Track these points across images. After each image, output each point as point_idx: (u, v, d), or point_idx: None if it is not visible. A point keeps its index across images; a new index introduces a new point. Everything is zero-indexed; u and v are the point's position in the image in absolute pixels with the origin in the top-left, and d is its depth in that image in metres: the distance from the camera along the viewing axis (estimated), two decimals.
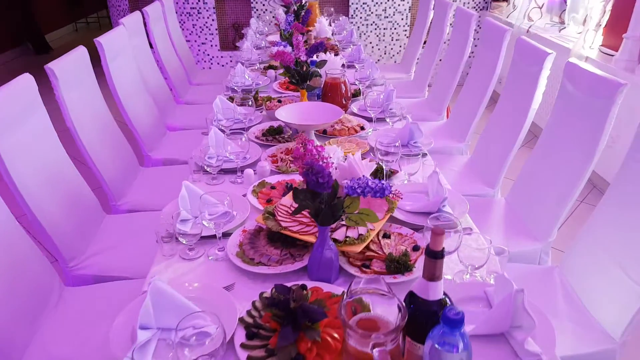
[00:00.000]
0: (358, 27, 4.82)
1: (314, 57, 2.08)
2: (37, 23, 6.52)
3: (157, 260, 1.29)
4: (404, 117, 2.07)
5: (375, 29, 4.86)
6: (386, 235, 1.30)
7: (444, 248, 0.75)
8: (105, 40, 2.31)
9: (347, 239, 1.22)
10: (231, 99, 2.31)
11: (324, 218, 1.06)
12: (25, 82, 1.62)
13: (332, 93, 2.15)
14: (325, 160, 1.05)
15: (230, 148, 1.64)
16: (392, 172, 1.64)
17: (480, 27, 4.34)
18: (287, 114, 1.81)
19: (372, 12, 4.79)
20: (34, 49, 6.52)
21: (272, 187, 1.54)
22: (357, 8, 4.74)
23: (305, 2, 3.69)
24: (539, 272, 1.69)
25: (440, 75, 3.22)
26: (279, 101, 2.15)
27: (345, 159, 1.47)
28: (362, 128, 2.01)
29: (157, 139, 2.68)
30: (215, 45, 4.82)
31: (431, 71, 3.43)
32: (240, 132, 1.68)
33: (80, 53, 2.04)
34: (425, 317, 0.78)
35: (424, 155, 1.77)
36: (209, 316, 0.89)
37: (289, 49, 2.00)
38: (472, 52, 3.53)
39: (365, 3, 4.73)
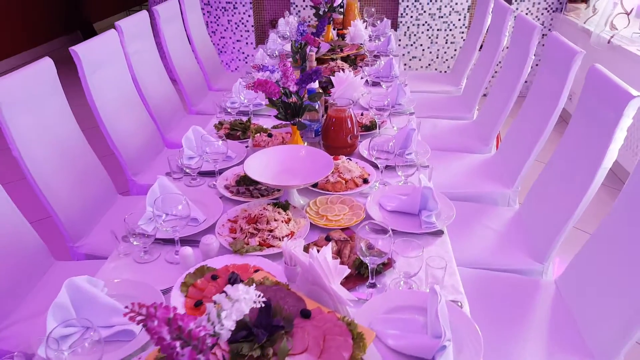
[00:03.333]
0: (408, 27, 4.25)
1: (313, 85, 1.62)
2: (87, 11, 6.48)
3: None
4: (424, 167, 1.57)
5: (428, 29, 4.27)
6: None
7: None
8: (82, 50, 1.98)
9: None
10: (220, 124, 1.91)
11: None
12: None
13: (335, 129, 1.68)
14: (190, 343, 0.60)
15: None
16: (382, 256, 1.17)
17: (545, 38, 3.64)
18: (258, 165, 1.37)
19: (424, 11, 4.19)
20: (83, 37, 6.50)
21: (214, 277, 1.12)
22: (407, 6, 4.17)
23: (342, 2, 3.21)
24: (537, 285, 1.52)
25: (492, 94, 2.63)
26: (269, 135, 1.72)
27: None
28: (366, 181, 1.53)
29: (148, 159, 2.34)
30: (251, 43, 4.44)
31: (482, 88, 2.84)
32: (211, 175, 1.56)
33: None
34: None
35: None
36: None
37: (276, 75, 1.56)
38: (533, 69, 2.90)
39: (418, 1, 4.14)
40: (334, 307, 1.01)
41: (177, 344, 0.56)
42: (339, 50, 2.69)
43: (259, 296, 0.73)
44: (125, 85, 2.30)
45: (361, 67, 2.39)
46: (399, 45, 4.32)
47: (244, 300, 0.67)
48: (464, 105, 3.00)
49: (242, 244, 1.22)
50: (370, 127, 1.88)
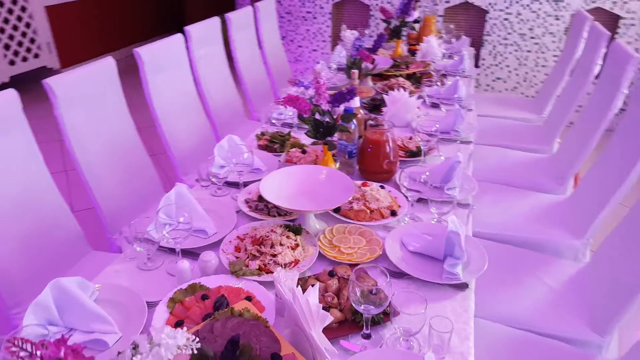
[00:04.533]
0: (494, 46, 3.98)
1: (352, 104, 1.52)
2: (187, 13, 6.87)
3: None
4: (463, 205, 1.41)
5: (516, 50, 3.97)
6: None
7: None
8: (146, 52, 2.07)
9: None
10: (262, 134, 1.89)
11: None
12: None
13: (372, 152, 1.58)
14: None
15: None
16: None
17: None
18: (274, 184, 1.31)
19: (514, 30, 3.90)
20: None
21: (204, 297, 1.08)
22: (495, 24, 3.91)
23: (419, 18, 3.07)
24: None
25: (576, 127, 2.34)
26: (304, 151, 1.65)
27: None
28: (394, 214, 1.41)
29: (200, 161, 2.38)
30: (326, 54, 4.44)
31: (566, 119, 2.55)
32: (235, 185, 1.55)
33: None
34: None
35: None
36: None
37: (311, 91, 1.49)
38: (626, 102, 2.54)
39: (507, 19, 3.87)
40: (311, 355, 0.92)
41: None
42: (403, 67, 2.56)
43: (193, 340, 0.66)
44: (186, 87, 2.38)
45: (426, 86, 2.24)
46: (482, 64, 4.06)
47: (165, 345, 0.61)
48: (544, 136, 2.72)
49: (241, 265, 1.17)
50: (416, 154, 1.74)
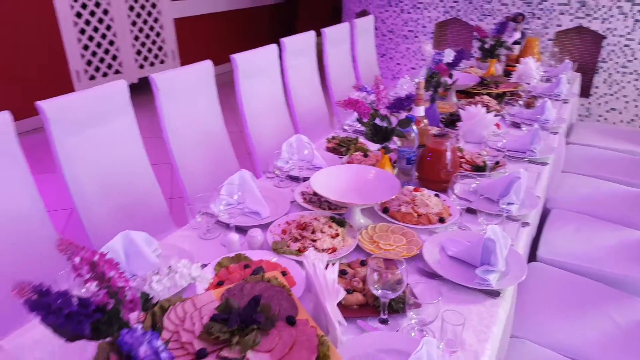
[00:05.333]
0: (609, 74, 3.74)
1: (415, 113, 1.60)
2: (294, 25, 7.33)
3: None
4: (515, 220, 1.41)
5: (637, 79, 3.68)
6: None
7: None
8: (241, 58, 2.35)
9: None
10: (333, 138, 2.04)
11: None
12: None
13: (431, 161, 1.64)
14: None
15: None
16: None
17: None
18: (325, 179, 1.44)
19: (635, 58, 3.64)
20: None
21: (246, 266, 1.24)
22: (612, 50, 3.68)
23: (519, 40, 3.04)
24: None
25: None
26: (365, 155, 1.76)
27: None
28: (442, 220, 1.45)
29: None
30: None
31: None
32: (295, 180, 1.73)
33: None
34: None
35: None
36: None
37: (372, 97, 1.59)
38: None
39: (628, 45, 3.62)
40: (325, 326, 1.02)
41: (94, 283, 0.68)
42: (492, 86, 2.56)
43: (198, 277, 0.80)
44: (275, 93, 2.62)
45: (508, 104, 2.23)
46: (594, 93, 3.82)
47: (180, 273, 0.76)
48: None
49: (283, 245, 1.31)
50: (482, 169, 1.76)
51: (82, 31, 4.65)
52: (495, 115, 2.06)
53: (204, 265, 1.26)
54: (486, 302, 1.17)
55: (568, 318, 1.55)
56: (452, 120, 2.17)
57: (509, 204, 1.51)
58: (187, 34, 5.70)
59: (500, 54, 3.03)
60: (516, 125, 2.17)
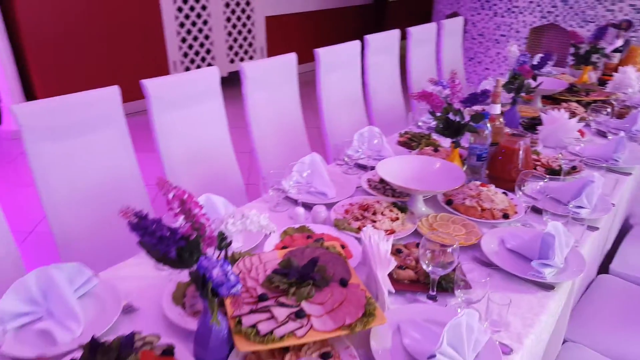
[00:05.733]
0: None
1: (492, 110, 1.65)
2: (383, 21, 7.39)
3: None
4: (581, 223, 1.42)
5: None
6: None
7: None
8: (324, 52, 2.51)
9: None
10: (406, 133, 2.13)
11: None
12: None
13: (503, 159, 1.68)
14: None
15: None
16: None
17: None
18: (392, 167, 1.54)
19: None
20: None
21: (308, 237, 1.37)
22: None
23: (620, 48, 2.93)
24: None
25: None
26: (436, 150, 1.83)
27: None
28: (506, 217, 1.49)
29: None
30: None
31: None
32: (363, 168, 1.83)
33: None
34: None
35: None
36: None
37: (447, 91, 1.65)
38: None
39: None
40: (375, 292, 1.12)
41: (181, 217, 0.84)
42: (582, 93, 2.50)
43: (267, 226, 0.94)
44: (353, 88, 2.76)
45: (595, 111, 2.18)
46: None
47: (250, 220, 0.91)
48: None
49: (344, 223, 1.43)
50: (557, 172, 1.76)
51: (182, 25, 5.10)
52: (579, 122, 2.03)
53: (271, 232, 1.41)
54: (538, 293, 1.21)
55: (630, 330, 1.54)
56: (532, 124, 2.17)
57: (579, 207, 1.51)
58: (276, 31, 6.02)
59: (596, 62, 2.93)
60: (602, 134, 2.12)
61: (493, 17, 4.41)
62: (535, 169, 1.82)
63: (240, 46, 5.74)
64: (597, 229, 1.49)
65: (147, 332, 1.01)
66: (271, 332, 0.96)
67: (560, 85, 2.49)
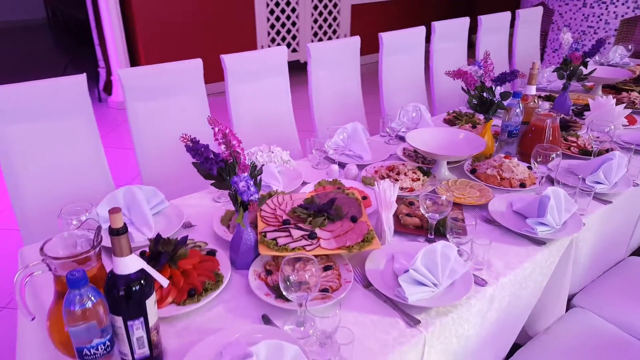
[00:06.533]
0: None
1: (527, 91, 1.80)
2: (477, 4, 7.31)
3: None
4: (591, 196, 1.55)
5: None
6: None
7: (123, 226, 0.86)
8: (387, 36, 2.75)
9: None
10: (453, 112, 2.32)
11: None
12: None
13: (532, 136, 1.83)
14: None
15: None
16: None
17: None
18: (421, 136, 1.76)
19: None
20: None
21: (338, 188, 1.65)
22: None
23: None
24: None
25: None
26: (474, 126, 2.02)
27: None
28: (523, 186, 1.66)
29: None
30: None
31: None
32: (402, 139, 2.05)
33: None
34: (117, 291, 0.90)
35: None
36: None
37: (481, 71, 1.80)
38: None
39: None
40: (379, 231, 1.38)
41: (223, 146, 1.16)
42: None
43: (288, 162, 1.24)
44: (415, 72, 2.96)
45: None
46: None
47: (274, 155, 1.20)
48: None
49: (371, 180, 1.69)
50: (587, 153, 1.87)
51: (272, 11, 5.54)
52: (627, 108, 2.09)
53: (305, 183, 1.71)
54: (529, 247, 1.39)
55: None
56: (582, 111, 2.26)
57: (596, 182, 1.64)
58: (360, 19, 6.27)
59: None
60: None
61: (581, 7, 4.32)
62: (569, 149, 1.94)
63: (325, 33, 6.07)
64: (610, 202, 1.61)
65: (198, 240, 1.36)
66: (286, 244, 1.26)
67: (622, 74, 2.51)
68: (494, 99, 1.80)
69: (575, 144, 1.96)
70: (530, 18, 3.59)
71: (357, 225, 1.35)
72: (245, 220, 1.22)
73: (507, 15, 3.43)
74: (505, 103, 1.80)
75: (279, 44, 5.74)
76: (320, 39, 6.04)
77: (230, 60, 2.22)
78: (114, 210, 0.85)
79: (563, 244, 1.44)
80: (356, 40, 2.66)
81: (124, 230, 0.86)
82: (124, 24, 4.75)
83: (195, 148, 1.15)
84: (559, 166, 1.65)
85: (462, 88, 1.85)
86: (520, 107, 1.82)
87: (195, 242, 1.36)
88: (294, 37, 5.84)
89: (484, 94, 1.83)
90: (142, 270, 0.91)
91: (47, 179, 1.80)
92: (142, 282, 0.90)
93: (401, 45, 2.84)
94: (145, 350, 0.94)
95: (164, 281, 0.94)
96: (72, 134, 1.86)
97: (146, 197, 1.52)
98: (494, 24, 3.35)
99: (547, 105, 2.34)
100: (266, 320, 1.12)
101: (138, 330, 0.91)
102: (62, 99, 1.82)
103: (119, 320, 0.90)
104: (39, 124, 1.78)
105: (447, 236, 1.33)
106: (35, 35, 7.71)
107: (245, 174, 1.13)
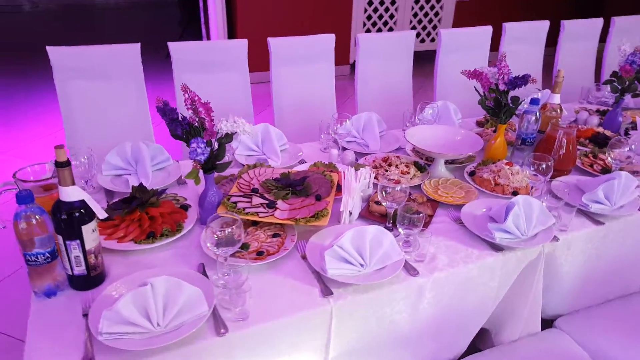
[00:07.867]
0: None
1: (547, 98, 1.72)
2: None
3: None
4: (582, 214, 1.47)
5: None
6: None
7: (66, 160, 1.06)
8: (446, 34, 2.73)
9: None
10: (485, 117, 2.28)
11: None
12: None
13: (545, 146, 1.77)
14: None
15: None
16: None
17: None
18: (421, 135, 1.78)
19: None
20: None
21: (331, 170, 1.75)
22: None
23: None
24: None
25: None
26: (495, 130, 1.97)
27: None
28: (515, 193, 1.62)
29: None
30: None
31: None
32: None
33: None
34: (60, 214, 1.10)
35: None
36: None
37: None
38: None
39: None
40: (342, 212, 1.46)
41: (190, 112, 1.33)
42: None
43: (248, 132, 1.37)
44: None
45: None
46: None
47: (237, 125, 1.34)
48: None
49: (361, 166, 1.76)
50: (608, 171, 1.75)
51: (370, 2, 5.62)
52: None
53: (303, 162, 1.83)
54: (484, 251, 1.38)
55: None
56: (632, 128, 2.09)
57: (593, 200, 1.55)
58: (464, 16, 6.09)
59: None
60: None
61: None
62: (592, 166, 1.83)
63: (424, 28, 6.01)
64: (602, 224, 1.51)
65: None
66: (243, 208, 1.40)
67: None
68: (505, 102, 1.76)
69: (602, 162, 1.83)
70: (628, 27, 3.28)
71: (318, 203, 1.45)
72: (202, 177, 1.40)
73: (599, 22, 3.18)
74: (526, 110, 1.74)
75: None
76: (418, 34, 5.99)
77: (275, 43, 2.39)
78: (59, 146, 1.06)
79: (527, 255, 1.41)
80: (411, 34, 2.68)
81: (67, 163, 1.07)
82: (226, 4, 5.16)
83: (163, 109, 1.34)
84: (568, 181, 1.58)
85: (475, 88, 1.83)
86: (537, 115, 1.76)
87: (176, 196, 1.56)
88: (390, 29, 5.86)
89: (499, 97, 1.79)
90: (83, 201, 1.11)
91: (97, 131, 2.13)
92: (82, 210, 1.11)
93: (461, 43, 2.80)
94: (83, 269, 1.15)
95: (101, 213, 1.14)
96: (123, 95, 2.17)
97: (152, 153, 1.75)
98: (579, 31, 3.14)
99: (595, 120, 2.19)
100: (202, 268, 1.28)
101: (75, 250, 1.12)
102: (118, 63, 2.13)
103: (60, 239, 1.11)
104: (96, 83, 2.11)
105: (397, 225, 1.38)
106: (166, 10, 8.61)
107: (201, 139, 1.30)
